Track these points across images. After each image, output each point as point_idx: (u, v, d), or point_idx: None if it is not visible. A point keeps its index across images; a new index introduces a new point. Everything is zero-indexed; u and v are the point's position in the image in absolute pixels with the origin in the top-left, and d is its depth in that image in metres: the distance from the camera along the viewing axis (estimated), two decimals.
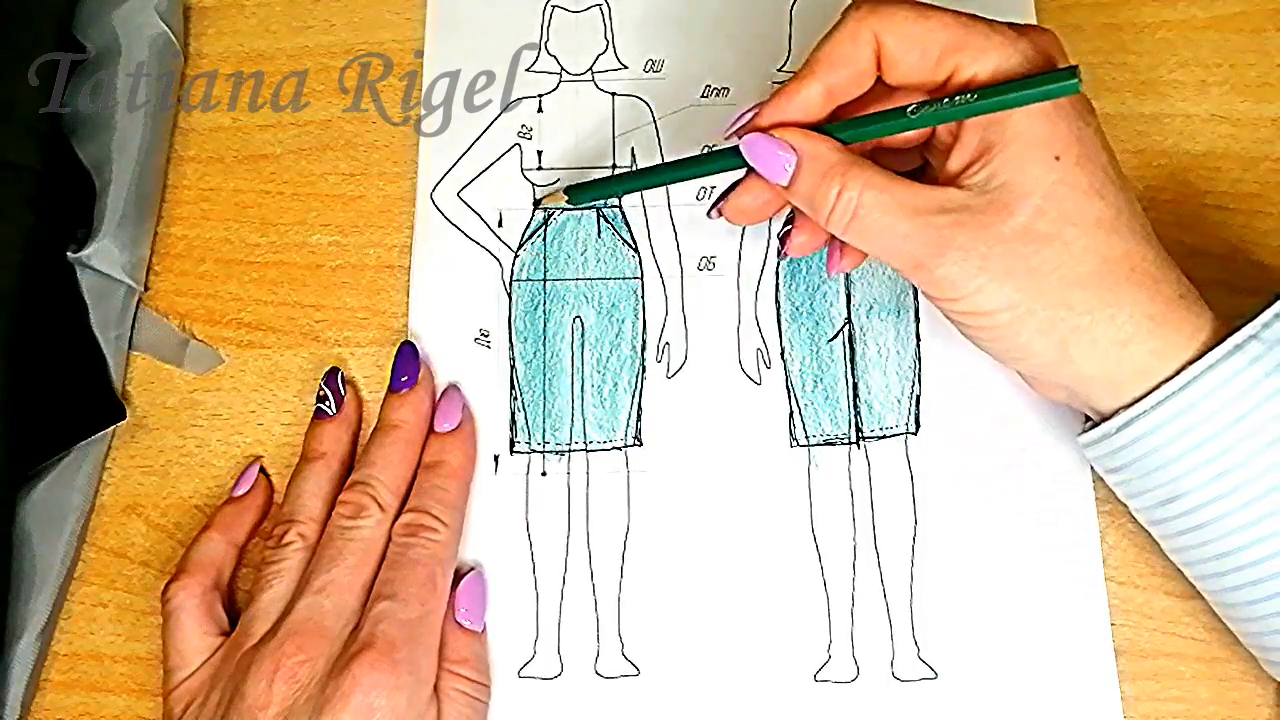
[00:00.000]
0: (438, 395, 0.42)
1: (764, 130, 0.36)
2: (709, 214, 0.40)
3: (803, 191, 0.36)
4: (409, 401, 0.41)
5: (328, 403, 0.42)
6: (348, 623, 0.37)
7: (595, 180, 0.43)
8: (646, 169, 0.42)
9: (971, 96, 0.33)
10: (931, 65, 0.35)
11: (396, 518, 0.39)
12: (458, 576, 0.40)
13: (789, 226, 0.40)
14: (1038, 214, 0.33)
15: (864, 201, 0.34)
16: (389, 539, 0.39)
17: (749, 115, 0.37)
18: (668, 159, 0.45)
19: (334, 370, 0.42)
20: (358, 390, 0.43)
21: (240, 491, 0.42)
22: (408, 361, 0.42)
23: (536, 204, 0.44)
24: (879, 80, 0.36)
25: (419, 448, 0.41)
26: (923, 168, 0.40)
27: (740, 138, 0.37)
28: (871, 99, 0.37)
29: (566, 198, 0.42)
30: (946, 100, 0.34)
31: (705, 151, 0.39)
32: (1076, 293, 0.33)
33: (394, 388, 0.41)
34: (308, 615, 0.36)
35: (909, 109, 0.35)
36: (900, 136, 0.37)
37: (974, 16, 0.34)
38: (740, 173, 0.38)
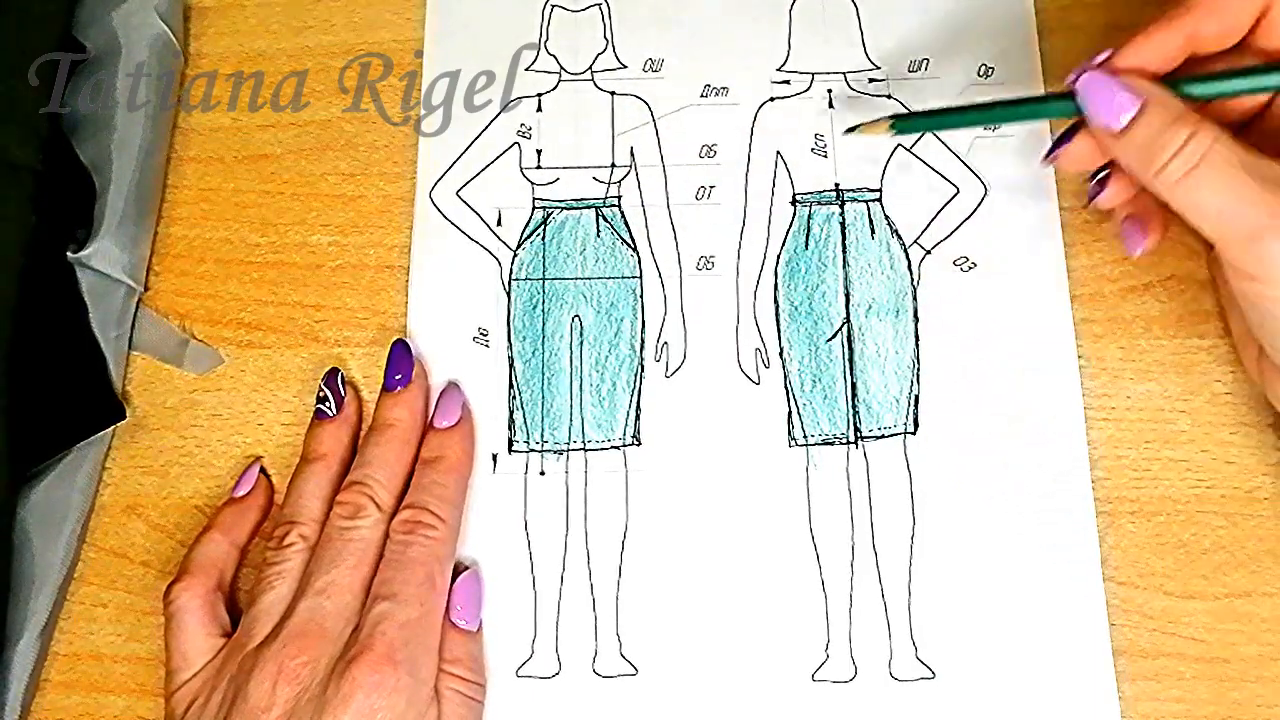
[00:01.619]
0: (434, 393, 0.42)
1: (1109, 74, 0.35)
2: (1043, 160, 0.39)
3: (1141, 137, 0.34)
4: (403, 400, 0.41)
5: (328, 403, 0.42)
6: (348, 623, 0.36)
7: (921, 111, 0.41)
8: (977, 105, 0.39)
9: None
10: None
11: (394, 516, 0.39)
12: (454, 574, 0.40)
13: (1106, 173, 0.38)
14: None
15: (1214, 153, 0.33)
16: (387, 537, 0.39)
17: (1101, 58, 0.36)
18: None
19: (334, 371, 0.42)
20: (358, 391, 0.43)
21: (241, 492, 0.42)
22: (401, 359, 0.42)
23: (852, 129, 0.41)
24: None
25: (415, 446, 0.41)
26: None
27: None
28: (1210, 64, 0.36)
29: (891, 126, 0.40)
30: None
31: (1043, 94, 0.38)
32: None
33: (388, 386, 0.41)
34: (309, 617, 0.36)
35: None
36: (1233, 107, 0.36)
37: None
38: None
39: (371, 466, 0.39)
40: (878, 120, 0.40)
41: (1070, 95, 0.36)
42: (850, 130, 0.42)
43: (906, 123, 0.40)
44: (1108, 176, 0.38)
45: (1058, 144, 0.38)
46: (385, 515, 0.39)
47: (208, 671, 0.37)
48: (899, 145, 0.44)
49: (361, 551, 0.38)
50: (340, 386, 0.42)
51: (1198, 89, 0.35)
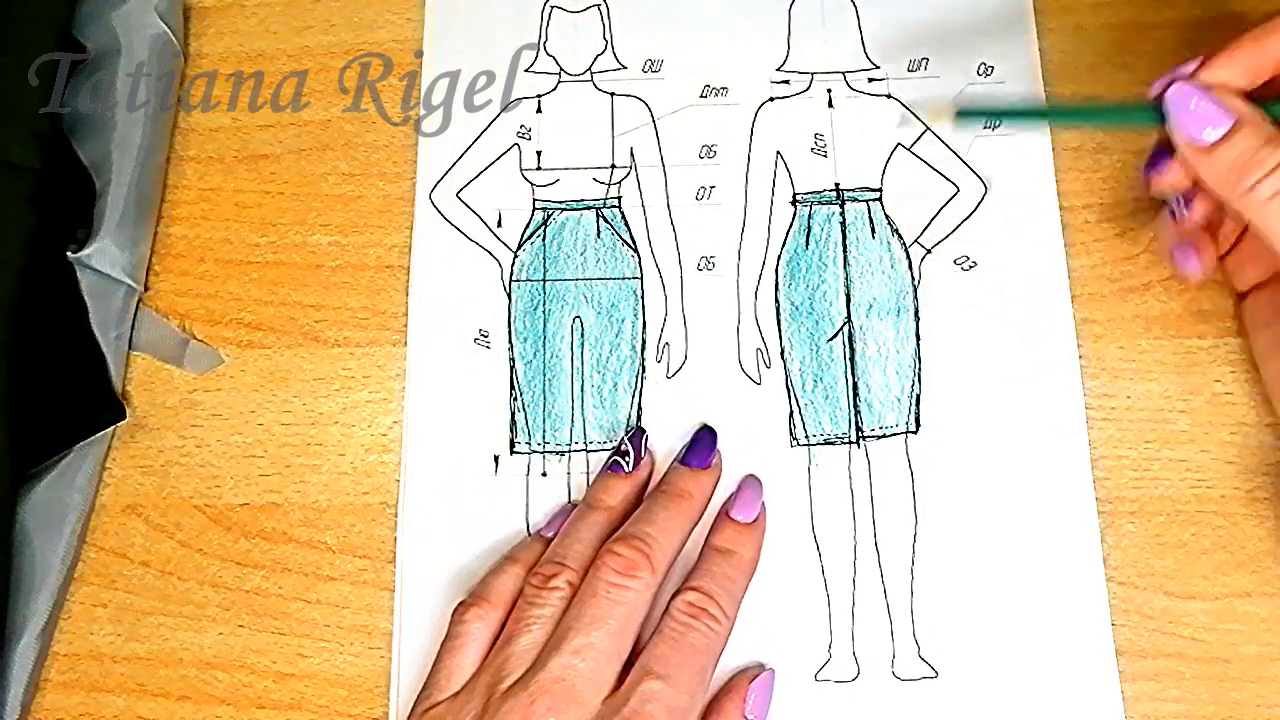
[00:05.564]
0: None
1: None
2: (1144, 175, 0.38)
3: (1230, 155, 0.33)
4: (702, 480, 0.40)
5: (626, 459, 0.41)
6: (599, 690, 0.35)
7: (986, 109, 0.39)
8: (1052, 106, 0.37)
9: None
10: None
11: (661, 585, 0.37)
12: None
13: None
14: None
15: None
16: (656, 606, 0.37)
17: (1189, 68, 0.35)
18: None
19: (641, 431, 0.42)
20: (654, 456, 0.42)
21: (550, 534, 0.40)
22: (708, 444, 0.41)
23: (916, 116, 0.41)
24: None
25: (696, 525, 0.39)
26: None
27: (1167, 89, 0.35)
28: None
29: (954, 113, 0.38)
30: None
31: (1128, 102, 0.37)
32: None
33: (690, 464, 0.40)
34: (560, 675, 0.34)
35: None
36: None
37: None
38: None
39: (655, 526, 0.38)
40: (941, 105, 0.39)
41: (1154, 104, 0.36)
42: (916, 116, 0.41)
43: (970, 115, 0.39)
44: (1194, 196, 0.37)
45: (1155, 163, 0.37)
46: (656, 580, 0.37)
47: (460, 699, 0.36)
48: (899, 145, 0.44)
49: (626, 616, 0.36)
50: (643, 448, 0.41)
51: None
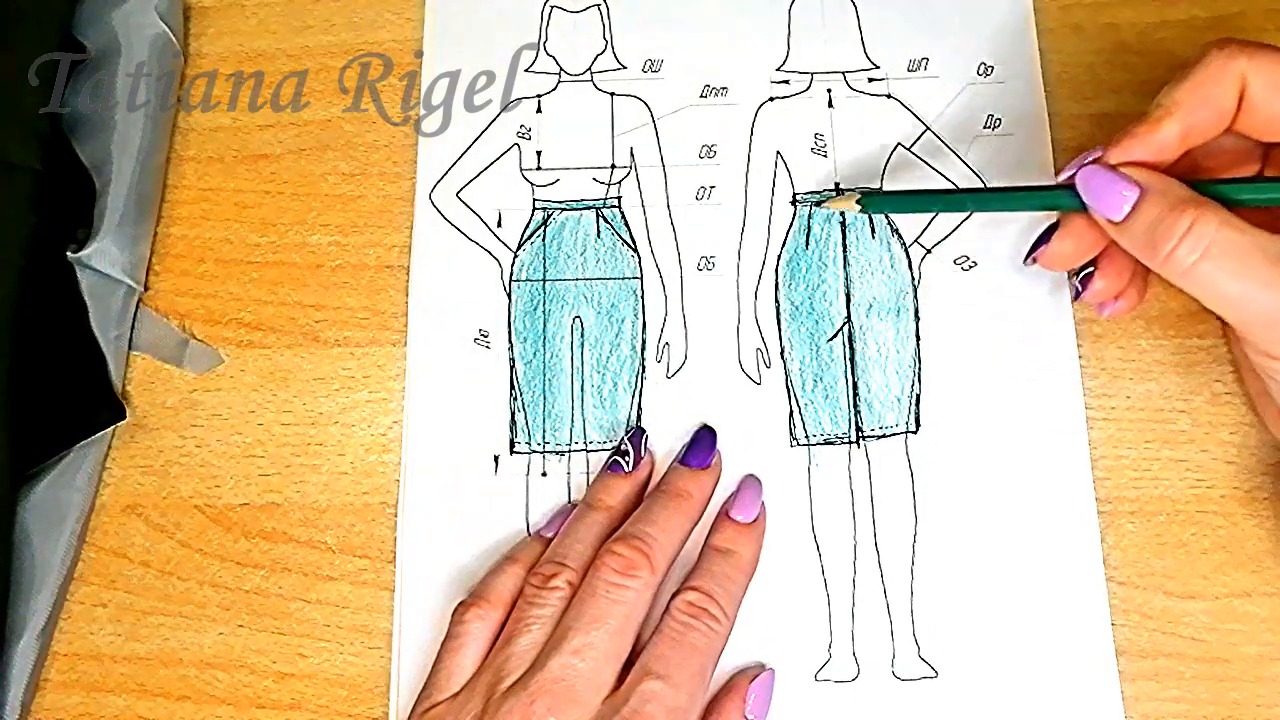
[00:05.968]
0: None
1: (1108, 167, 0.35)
2: (1024, 262, 0.40)
3: (1142, 225, 0.34)
4: (701, 479, 0.40)
5: (626, 459, 0.41)
6: (599, 690, 0.35)
7: (894, 192, 0.40)
8: (958, 191, 0.38)
9: None
10: None
11: (661, 584, 0.37)
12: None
13: (1091, 269, 0.38)
14: None
15: (1220, 239, 0.32)
16: (656, 606, 0.37)
17: (1093, 155, 0.36)
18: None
19: (641, 431, 0.42)
20: (654, 456, 0.42)
21: (549, 534, 0.40)
22: (708, 445, 0.41)
23: (818, 203, 0.42)
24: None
25: (696, 525, 0.40)
26: None
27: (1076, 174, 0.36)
28: (1213, 152, 0.36)
29: (858, 204, 0.40)
30: None
31: (1031, 185, 0.38)
32: None
33: (690, 464, 0.40)
34: (560, 675, 0.34)
35: None
36: None
37: None
38: (1046, 218, 0.38)
39: (655, 526, 0.38)
40: (846, 195, 0.40)
41: (1053, 189, 0.37)
42: (819, 203, 0.43)
43: (876, 201, 0.40)
44: (1091, 274, 0.38)
45: (1036, 245, 0.39)
46: (656, 579, 0.37)
47: (460, 699, 0.36)
48: (899, 145, 0.44)
49: (625, 616, 0.36)
50: (643, 448, 0.41)
51: (1245, 195, 0.35)
